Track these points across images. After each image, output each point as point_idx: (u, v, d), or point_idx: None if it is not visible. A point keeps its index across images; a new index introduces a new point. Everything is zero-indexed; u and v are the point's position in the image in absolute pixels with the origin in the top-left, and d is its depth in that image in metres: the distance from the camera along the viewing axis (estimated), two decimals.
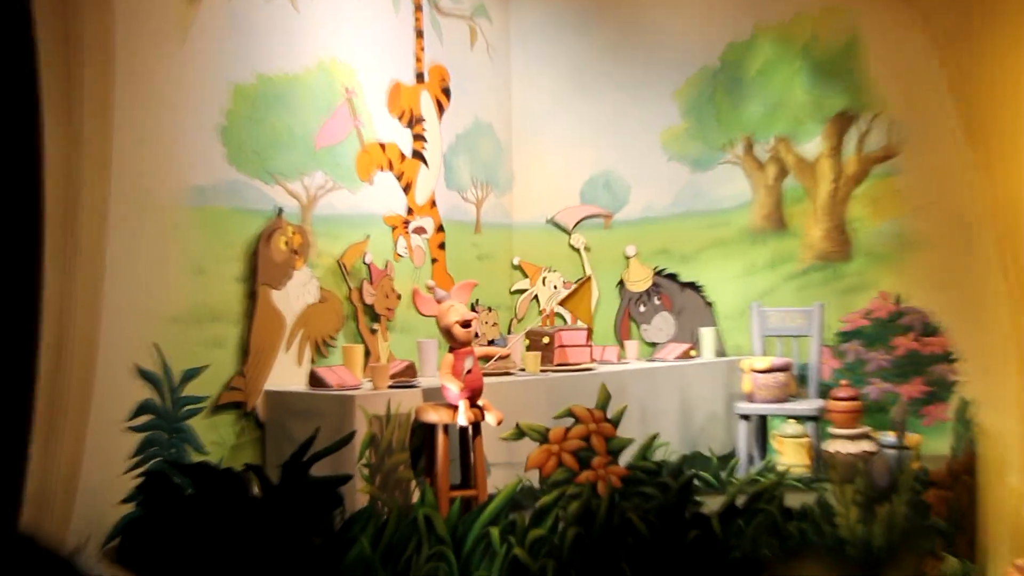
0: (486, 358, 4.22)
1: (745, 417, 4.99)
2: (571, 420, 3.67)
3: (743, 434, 5.00)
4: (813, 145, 5.42)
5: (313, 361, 4.36)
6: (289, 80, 4.36)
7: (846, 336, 5.26)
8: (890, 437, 4.40)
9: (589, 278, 5.74)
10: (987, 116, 4.65)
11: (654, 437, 3.98)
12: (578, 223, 6.04)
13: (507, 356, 4.57)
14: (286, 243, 4.21)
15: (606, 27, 5.99)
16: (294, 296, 4.25)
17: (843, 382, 4.50)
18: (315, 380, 3.95)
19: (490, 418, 3.70)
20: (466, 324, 3.73)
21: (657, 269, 5.77)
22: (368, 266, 4.74)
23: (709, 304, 5.68)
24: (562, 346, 4.83)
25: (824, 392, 4.94)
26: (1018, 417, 4.67)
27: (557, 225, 6.08)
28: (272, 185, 4.25)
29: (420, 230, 5.29)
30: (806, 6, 5.45)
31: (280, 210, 4.25)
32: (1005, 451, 4.47)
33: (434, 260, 5.42)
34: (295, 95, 4.40)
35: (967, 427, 4.72)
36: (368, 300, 4.70)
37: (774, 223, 5.58)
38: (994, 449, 4.45)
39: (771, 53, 5.52)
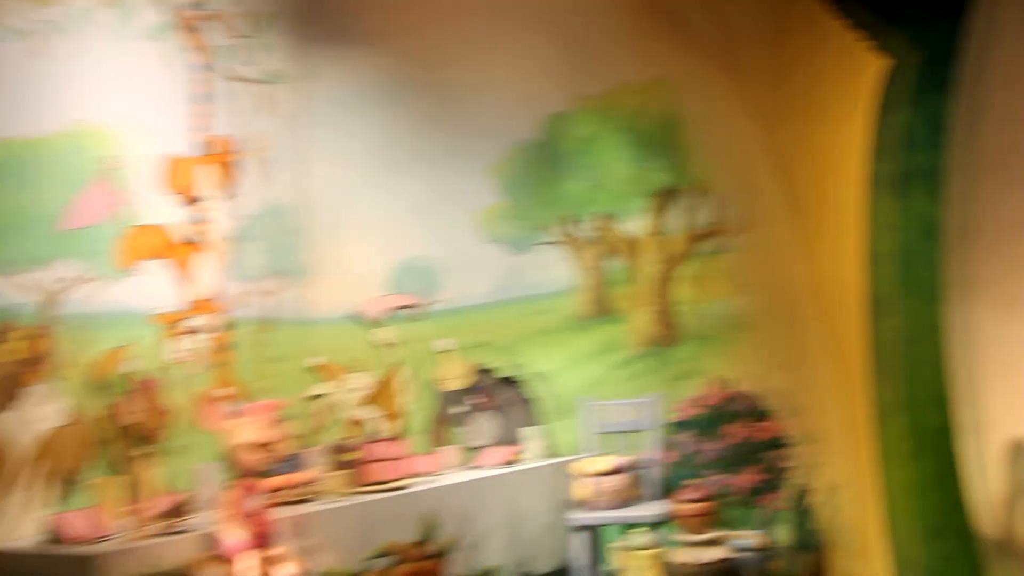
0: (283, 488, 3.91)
1: (581, 528, 4.90)
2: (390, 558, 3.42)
3: (579, 548, 4.83)
4: (638, 223, 5.50)
5: (54, 504, 3.78)
6: (28, 145, 3.90)
7: (679, 426, 5.26)
8: (747, 540, 4.41)
9: (397, 366, 5.55)
10: (809, 191, 4.87)
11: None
12: (386, 316, 5.95)
13: (308, 482, 4.28)
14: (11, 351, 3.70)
15: (418, 98, 5.81)
16: (28, 419, 3.72)
17: (691, 481, 4.53)
18: (52, 531, 3.37)
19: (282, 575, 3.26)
20: (260, 447, 3.41)
21: (476, 364, 5.73)
22: (131, 377, 4.26)
23: (534, 400, 5.68)
24: (372, 461, 4.60)
25: (667, 491, 4.90)
26: (854, 501, 4.86)
27: (362, 319, 5.95)
28: None
29: (198, 330, 4.95)
30: (627, 77, 5.51)
31: None
32: (849, 536, 4.64)
33: (216, 365, 5.07)
34: (36, 164, 3.92)
35: (805, 515, 4.86)
36: (130, 419, 4.23)
37: (600, 308, 5.57)
38: (838, 535, 4.61)
39: (592, 126, 5.58)
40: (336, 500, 4.10)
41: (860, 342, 4.46)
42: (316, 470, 4.32)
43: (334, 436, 5.08)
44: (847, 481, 4.63)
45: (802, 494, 4.73)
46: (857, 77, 4.47)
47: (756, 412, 5.23)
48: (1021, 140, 3.96)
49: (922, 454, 4.25)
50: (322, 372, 5.70)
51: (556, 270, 5.59)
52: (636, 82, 5.50)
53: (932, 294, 4.25)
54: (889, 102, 4.31)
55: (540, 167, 5.64)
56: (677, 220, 5.40)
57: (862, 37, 4.42)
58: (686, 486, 4.73)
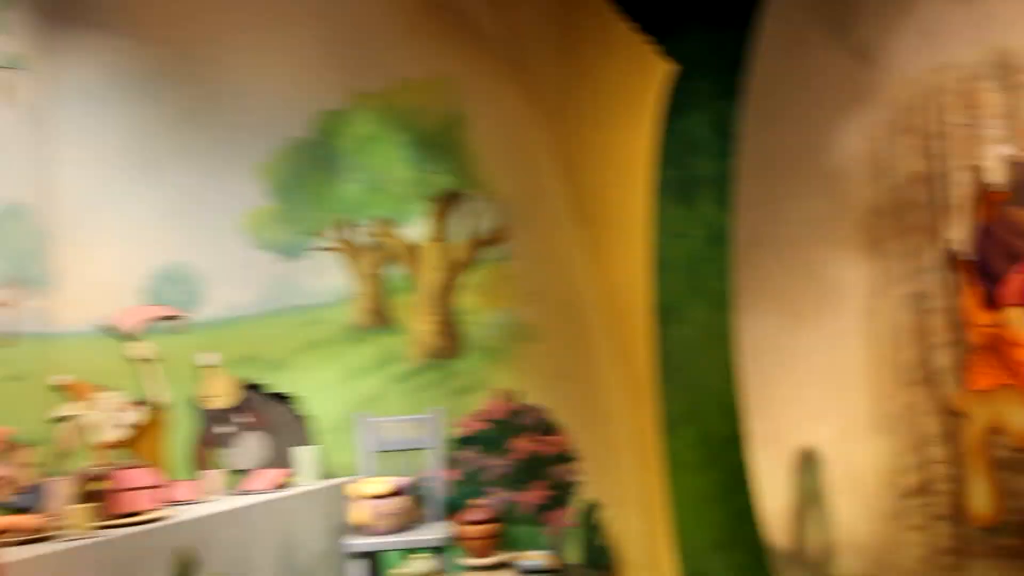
0: (13, 528, 3.45)
1: (359, 555, 4.64)
2: None
3: None
4: (419, 228, 5.37)
5: None
6: None
7: (463, 442, 5.23)
8: (535, 561, 4.37)
9: (160, 409, 5.14)
10: (596, 197, 4.91)
11: None
12: (142, 328, 5.48)
13: (46, 518, 3.82)
14: None
15: (178, 90, 5.39)
16: None
17: (476, 501, 4.44)
18: None
19: None
20: None
21: (243, 380, 5.36)
22: None
23: (307, 418, 5.42)
24: (124, 490, 4.18)
25: (450, 512, 4.78)
26: (641, 516, 4.95)
27: (114, 332, 5.48)
28: None
29: None
30: (408, 73, 5.38)
31: None
32: (638, 550, 4.71)
33: None
34: None
35: (594, 532, 4.90)
36: None
37: (377, 318, 5.39)
38: (627, 550, 4.67)
39: (370, 124, 5.38)
40: (80, 537, 3.69)
41: (647, 351, 4.54)
42: (58, 503, 3.88)
43: (81, 463, 4.64)
44: (635, 493, 4.69)
45: (591, 510, 4.75)
46: (644, 82, 4.53)
47: (542, 426, 5.21)
48: (807, 148, 4.13)
49: (710, 464, 4.35)
50: (68, 391, 5.18)
51: (330, 278, 5.34)
52: (417, 79, 5.36)
53: (719, 302, 4.37)
54: (676, 108, 4.40)
55: (313, 167, 5.38)
56: (460, 226, 5.30)
57: (649, 42, 4.51)
58: (470, 506, 4.62)
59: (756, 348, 4.07)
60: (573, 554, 4.92)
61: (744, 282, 4.07)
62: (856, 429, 3.99)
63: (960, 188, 3.92)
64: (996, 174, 3.87)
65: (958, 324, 3.91)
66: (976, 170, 3.88)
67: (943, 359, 3.94)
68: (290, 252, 5.39)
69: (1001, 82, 3.89)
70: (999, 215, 4.53)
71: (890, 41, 4.04)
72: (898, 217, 4.00)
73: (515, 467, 5.09)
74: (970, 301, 4.12)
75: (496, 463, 5.06)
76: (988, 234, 4.45)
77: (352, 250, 5.35)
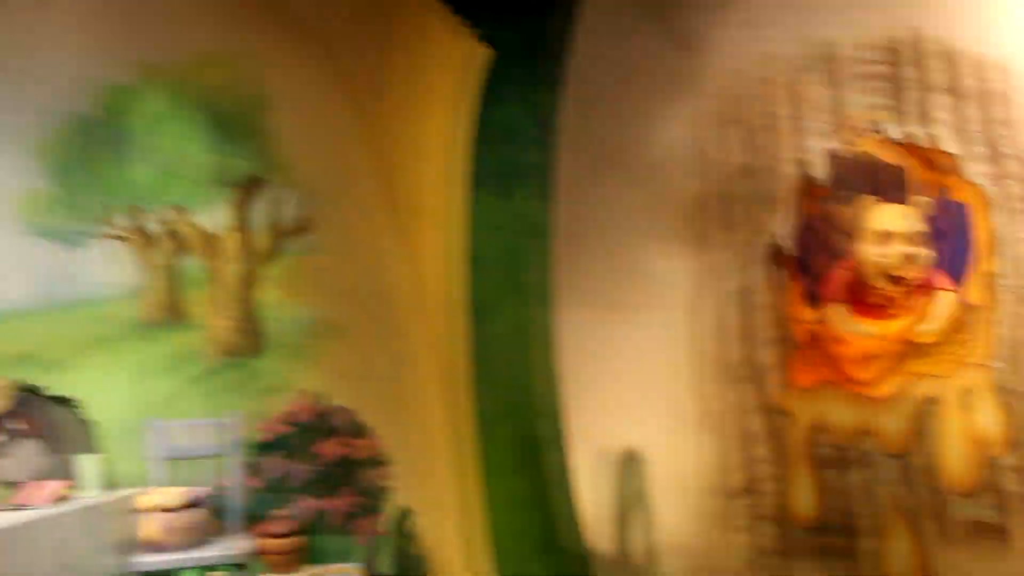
0: None
1: (149, 574, 4.28)
2: None
3: None
4: (216, 217, 5.07)
5: None
6: None
7: (264, 448, 4.95)
8: (344, 574, 4.22)
9: None
10: (409, 186, 4.77)
11: None
12: None
13: None
14: None
15: None
16: None
17: (279, 511, 4.23)
18: None
19: None
20: None
21: (16, 381, 4.90)
22: None
23: (90, 423, 4.96)
24: None
25: (251, 524, 4.53)
26: (456, 522, 4.86)
27: None
28: None
29: None
30: (203, 47, 5.06)
31: None
32: (452, 557, 4.62)
33: None
34: None
35: (406, 540, 4.78)
36: None
37: (170, 313, 5.04)
38: (440, 557, 4.57)
39: (162, 102, 5.02)
40: None
41: (461, 349, 4.44)
42: None
43: None
44: (450, 498, 4.60)
45: (403, 517, 4.61)
46: (461, 67, 4.42)
47: (350, 428, 5.02)
48: (630, 139, 4.12)
49: (527, 467, 4.29)
50: None
51: (116, 269, 4.97)
52: (215, 54, 5.04)
53: (537, 298, 4.31)
54: (492, 95, 4.31)
55: (96, 148, 4.96)
56: (261, 214, 5.04)
57: (465, 26, 4.40)
58: (273, 517, 4.39)
59: (576, 345, 4.04)
60: (385, 565, 4.78)
61: (563, 277, 4.03)
62: (679, 428, 4.02)
63: (784, 182, 4.01)
64: (819, 168, 3.98)
65: (782, 320, 4.00)
66: (800, 164, 3.98)
67: (767, 356, 4.02)
68: (70, 241, 4.97)
69: (825, 75, 4.00)
70: (820, 210, 4.68)
71: (714, 30, 4.07)
72: (722, 210, 4.06)
73: (321, 473, 4.88)
74: (793, 297, 4.23)
75: (300, 469, 4.84)
76: (810, 229, 4.58)
77: (142, 239, 4.99)
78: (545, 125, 4.31)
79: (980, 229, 4.15)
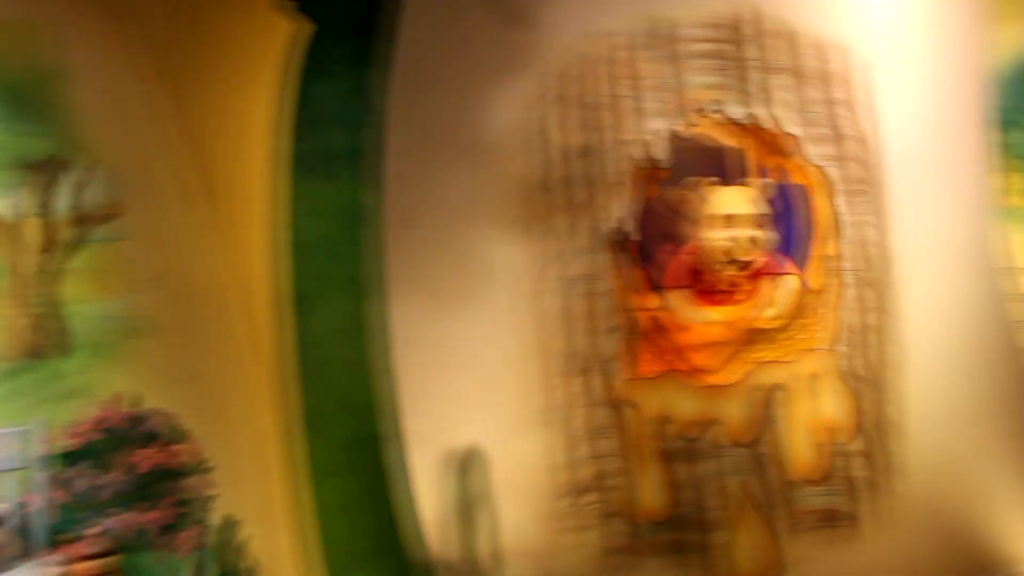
0: None
1: None
2: None
3: None
4: (12, 202, 4.71)
5: None
6: None
7: (72, 457, 4.72)
8: None
9: None
10: (222, 169, 4.41)
11: None
12: None
13: None
14: None
15: None
16: None
17: (87, 528, 3.87)
18: None
19: None
20: None
21: None
22: None
23: None
24: None
25: (55, 544, 4.14)
26: (285, 530, 4.58)
27: None
28: None
29: None
30: None
31: None
32: (278, 565, 4.34)
33: None
34: None
35: (230, 552, 4.48)
36: None
37: None
38: (266, 566, 4.29)
39: None
40: None
41: (282, 345, 4.15)
42: None
43: None
44: (275, 505, 4.31)
45: (225, 527, 4.31)
46: (276, 43, 4.12)
47: (167, 434, 4.67)
48: (460, 119, 3.89)
49: (357, 468, 4.04)
50: None
51: None
52: (6, 21, 4.60)
53: (362, 289, 4.04)
54: (310, 73, 4.01)
55: None
56: (60, 199, 4.65)
57: None
58: (81, 535, 4.03)
59: (407, 338, 3.79)
60: None
61: (392, 266, 3.78)
62: (519, 424, 3.83)
63: (625, 164, 3.87)
64: (660, 150, 3.85)
65: (625, 308, 3.86)
66: (641, 145, 3.84)
67: (611, 346, 3.88)
68: None
69: (665, 53, 3.87)
70: (661, 194, 4.57)
71: (550, 5, 3.90)
72: (558, 194, 3.88)
73: (136, 484, 4.52)
74: (635, 284, 4.10)
75: (111, 481, 4.47)
76: (651, 213, 4.47)
77: None
78: (367, 105, 4.05)
79: (820, 212, 4.13)
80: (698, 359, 4.18)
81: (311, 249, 3.95)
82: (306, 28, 4.01)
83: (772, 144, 4.21)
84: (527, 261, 3.80)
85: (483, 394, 3.80)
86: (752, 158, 4.43)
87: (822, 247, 4.18)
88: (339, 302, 4.08)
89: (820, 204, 4.11)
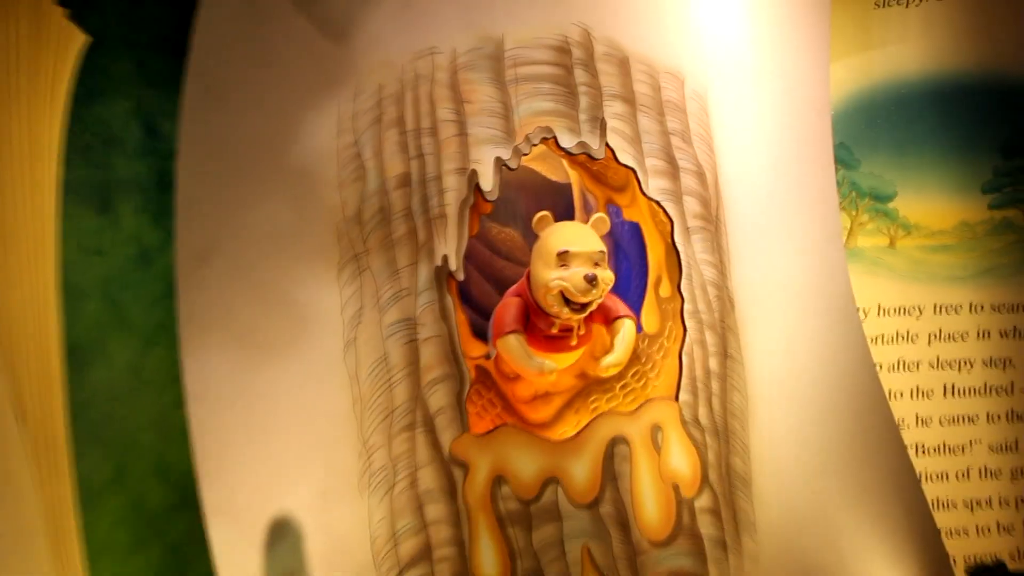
0: None
1: None
2: None
3: None
4: None
5: None
6: None
7: None
8: None
9: None
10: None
11: None
12: None
13: None
14: None
15: None
16: None
17: None
18: None
19: None
20: None
21: None
22: None
23: None
24: None
25: None
26: None
27: None
28: None
29: None
30: None
31: None
32: None
33: None
34: None
35: None
36: None
37: None
38: None
39: None
40: None
41: (58, 401, 3.59)
42: None
43: None
44: None
45: None
46: (55, 55, 3.64)
47: None
48: (268, 144, 3.49)
49: (146, 543, 3.53)
50: None
51: None
52: None
53: (154, 336, 3.59)
54: (90, 91, 3.56)
55: None
56: None
57: (57, 3, 3.61)
58: None
59: (204, 393, 3.32)
60: None
61: (189, 310, 3.31)
62: (336, 490, 3.41)
63: (444, 195, 3.53)
64: (487, 181, 3.53)
65: (449, 357, 3.49)
66: (467, 175, 3.51)
67: (434, 399, 3.51)
68: None
69: (486, 74, 3.58)
70: (489, 229, 4.26)
71: (367, 16, 3.57)
72: (375, 228, 3.52)
73: None
74: (463, 329, 3.74)
75: None
76: (479, 251, 4.15)
77: None
78: (157, 128, 3.62)
79: (655, 250, 3.92)
80: (532, 412, 3.89)
81: (90, 292, 3.47)
82: (84, 41, 3.54)
83: (605, 176, 3.99)
84: (343, 304, 3.40)
85: (294, 456, 3.37)
86: (586, 191, 4.19)
87: (658, 288, 3.95)
88: (124, 352, 3.58)
89: (655, 242, 3.90)
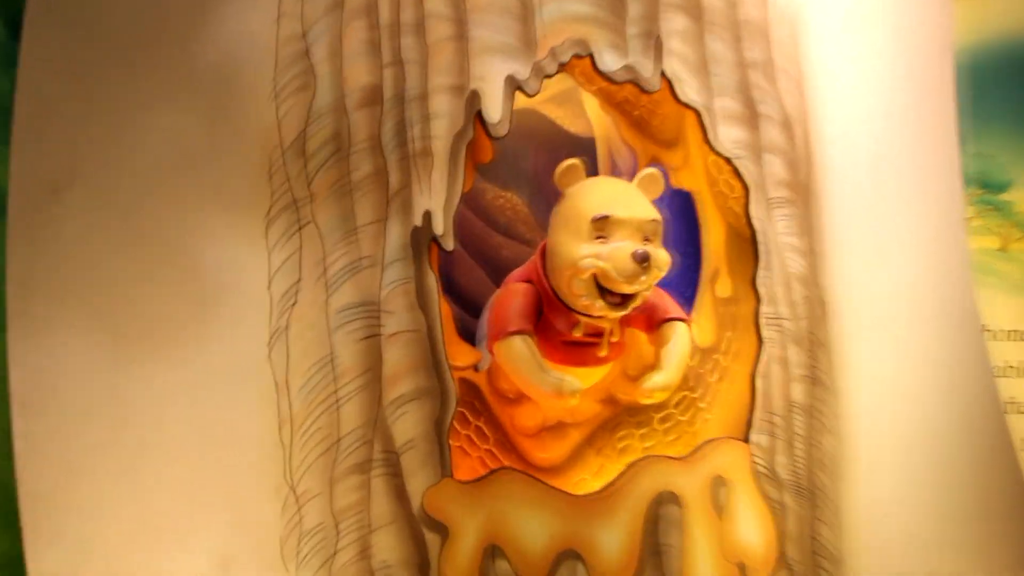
0: None
1: None
2: None
3: None
4: None
5: None
6: None
7: None
8: None
9: None
10: None
11: None
12: None
13: None
14: None
15: None
16: None
17: None
18: None
19: None
20: None
21: None
22: None
23: None
24: None
25: None
26: None
27: None
28: None
29: None
30: None
31: None
32: None
33: None
34: None
35: None
36: None
37: None
38: None
39: None
40: None
41: None
42: None
43: None
44: None
45: None
46: None
47: None
48: (163, 27, 2.36)
49: None
50: None
51: None
52: None
53: None
54: None
55: None
56: None
57: None
58: None
59: (48, 398, 2.24)
60: None
61: (25, 270, 2.25)
62: (251, 558, 2.29)
63: (430, 124, 2.50)
64: (495, 108, 2.51)
65: (424, 364, 2.44)
66: (467, 96, 2.50)
67: (408, 425, 2.42)
68: None
69: None
70: (474, 191, 3.23)
71: None
72: (334, 165, 2.42)
73: None
74: (447, 325, 2.69)
75: None
76: (463, 221, 3.11)
77: None
78: None
79: (714, 231, 2.93)
80: (538, 449, 2.80)
81: None
82: None
83: (649, 124, 2.98)
84: (271, 275, 2.35)
85: (183, 504, 2.29)
86: (622, 144, 3.19)
87: (715, 284, 2.98)
88: None
89: (714, 220, 2.92)
